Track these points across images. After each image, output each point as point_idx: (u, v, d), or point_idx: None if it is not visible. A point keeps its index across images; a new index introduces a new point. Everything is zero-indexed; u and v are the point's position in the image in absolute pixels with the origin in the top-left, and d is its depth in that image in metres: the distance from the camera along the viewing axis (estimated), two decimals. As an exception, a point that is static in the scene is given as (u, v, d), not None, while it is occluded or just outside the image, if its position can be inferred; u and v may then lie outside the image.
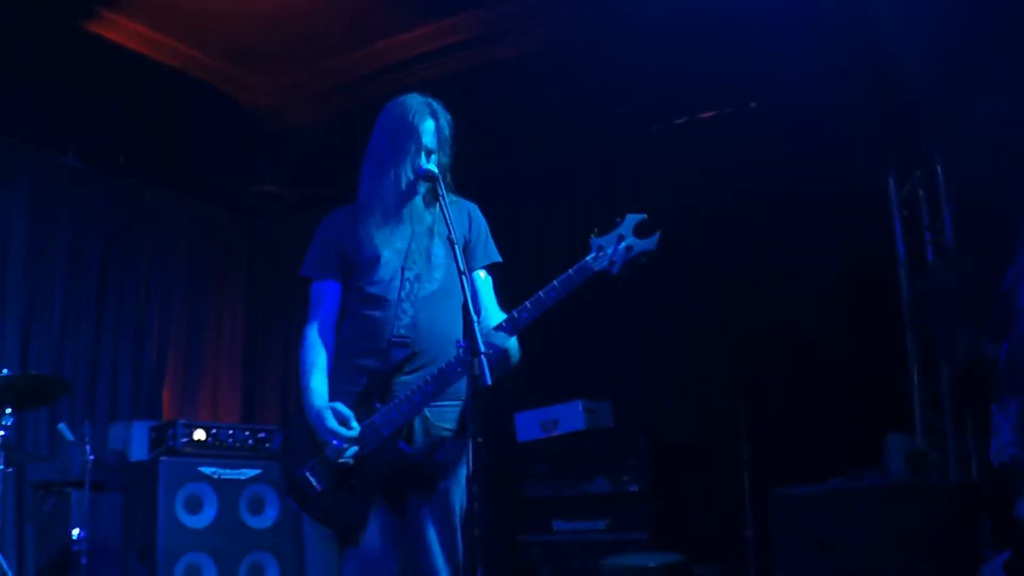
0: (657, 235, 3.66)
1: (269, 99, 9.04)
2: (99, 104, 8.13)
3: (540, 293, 3.62)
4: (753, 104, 7.73)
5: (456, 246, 3.54)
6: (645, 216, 3.71)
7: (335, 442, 3.68)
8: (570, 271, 3.66)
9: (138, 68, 8.14)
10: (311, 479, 3.79)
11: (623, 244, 3.67)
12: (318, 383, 3.87)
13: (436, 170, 3.83)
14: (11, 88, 7.69)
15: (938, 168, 6.85)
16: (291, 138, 9.34)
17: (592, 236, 3.70)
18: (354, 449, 3.70)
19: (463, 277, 3.47)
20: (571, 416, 7.38)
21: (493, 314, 3.90)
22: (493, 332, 3.58)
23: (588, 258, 3.67)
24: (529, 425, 7.58)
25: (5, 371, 6.09)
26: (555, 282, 3.64)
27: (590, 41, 7.71)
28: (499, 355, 3.56)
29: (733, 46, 7.18)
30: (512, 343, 3.68)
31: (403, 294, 3.87)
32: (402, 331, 3.84)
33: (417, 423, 3.78)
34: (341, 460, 3.70)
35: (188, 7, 7.68)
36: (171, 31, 8.07)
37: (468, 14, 7.78)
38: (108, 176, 8.92)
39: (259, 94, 9.01)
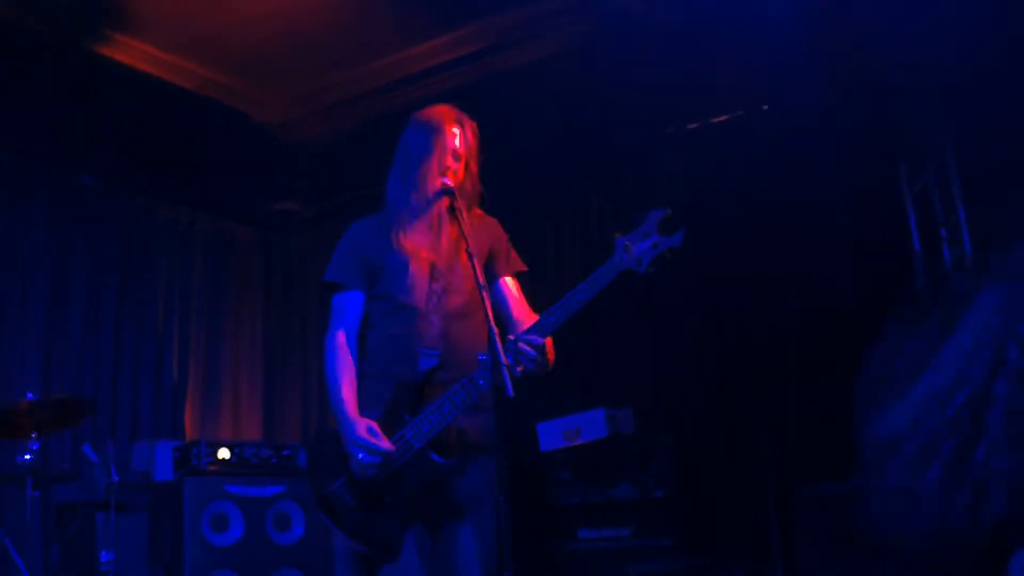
0: (681, 231, 3.65)
1: (281, 114, 9.05)
2: (113, 124, 8.16)
3: (567, 296, 3.62)
4: (765, 106, 7.74)
5: (474, 259, 3.55)
6: (668, 211, 3.69)
7: (361, 455, 3.68)
8: (597, 272, 3.65)
9: (150, 88, 8.16)
10: (342, 495, 3.79)
11: (649, 241, 3.66)
12: (348, 394, 3.87)
13: (452, 183, 3.86)
14: (25, 111, 7.75)
15: (951, 163, 6.85)
16: (305, 152, 9.36)
17: (616, 236, 3.69)
18: (379, 464, 3.69)
19: (482, 290, 3.49)
20: (593, 424, 7.38)
21: (527, 319, 3.90)
22: (524, 336, 3.57)
23: (614, 258, 3.67)
24: (552, 435, 7.58)
25: (29, 395, 6.13)
26: (582, 284, 3.63)
27: (601, 47, 7.70)
28: (538, 352, 3.55)
29: (743, 50, 7.18)
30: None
31: (431, 305, 3.88)
32: (431, 341, 3.85)
33: (451, 433, 3.78)
34: (369, 472, 3.70)
35: (197, 26, 7.69)
36: (181, 51, 8.09)
37: (479, 24, 7.77)
38: (123, 195, 8.98)
39: (271, 109, 9.02)
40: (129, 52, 7.88)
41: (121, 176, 8.82)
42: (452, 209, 3.85)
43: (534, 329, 3.59)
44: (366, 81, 8.50)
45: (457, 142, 3.97)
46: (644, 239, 3.67)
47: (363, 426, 3.71)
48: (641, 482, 7.17)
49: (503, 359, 3.33)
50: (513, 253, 4.14)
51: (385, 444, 3.69)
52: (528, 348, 3.51)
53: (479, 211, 4.12)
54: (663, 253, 3.68)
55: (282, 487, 7.34)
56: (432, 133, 3.97)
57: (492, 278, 4.04)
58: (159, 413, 8.94)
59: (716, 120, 7.97)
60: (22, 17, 7.21)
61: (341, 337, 3.99)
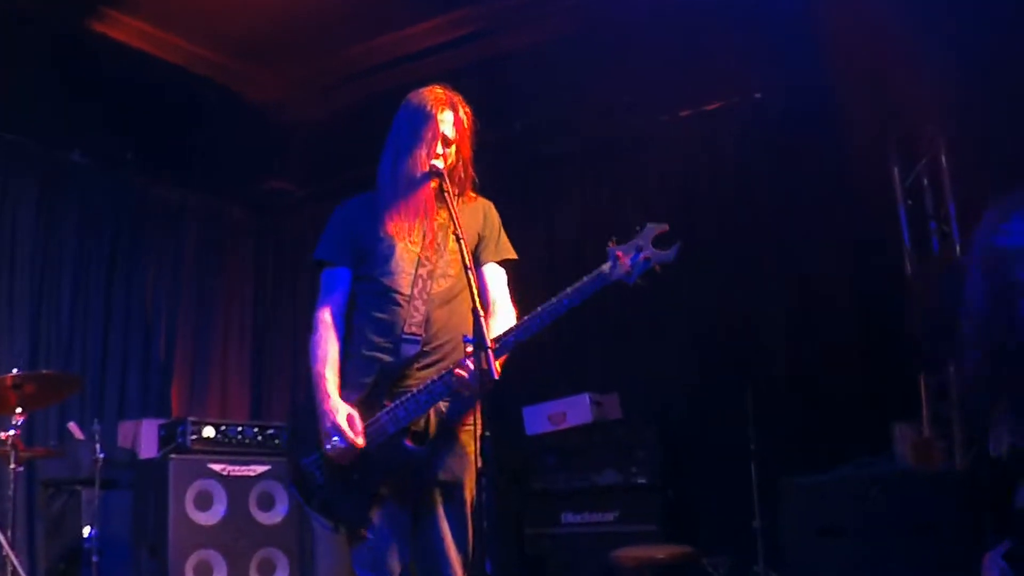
0: (676, 247, 3.61)
1: (276, 94, 9.03)
2: (105, 102, 8.13)
3: (553, 301, 3.60)
4: (758, 95, 7.73)
5: (463, 242, 3.54)
6: (666, 227, 3.67)
7: (337, 439, 3.69)
8: (586, 280, 3.62)
9: (143, 65, 8.15)
10: (314, 471, 3.81)
11: (641, 255, 3.63)
12: (330, 372, 3.85)
13: (441, 166, 3.85)
14: (17, 86, 7.71)
15: (942, 157, 6.86)
16: (299, 133, 9.34)
17: (609, 245, 3.67)
18: (349, 453, 3.70)
19: (469, 272, 3.48)
20: (579, 409, 7.40)
21: (503, 308, 3.92)
22: (502, 337, 3.58)
23: (604, 268, 3.64)
24: (537, 418, 7.59)
25: (15, 370, 6.12)
26: (570, 290, 3.60)
27: (596, 32, 7.70)
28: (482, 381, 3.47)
29: (738, 37, 7.18)
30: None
31: (416, 290, 3.87)
32: (414, 327, 3.83)
33: (432, 418, 3.78)
34: (339, 459, 3.71)
35: (191, 3, 7.69)
36: (175, 28, 8.08)
37: (475, 7, 7.77)
38: (115, 173, 8.96)
39: (266, 89, 9.01)
40: (123, 28, 7.87)
41: (112, 154, 8.79)
42: (441, 192, 3.83)
43: (517, 330, 3.60)
44: (361, 61, 8.49)
45: (447, 127, 3.93)
46: (637, 251, 3.63)
47: (343, 413, 3.72)
48: (626, 468, 7.18)
49: (488, 342, 3.33)
50: (504, 240, 4.11)
51: (359, 439, 3.69)
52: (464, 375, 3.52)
53: (473, 195, 4.10)
54: (654, 267, 3.66)
55: (267, 466, 7.34)
56: (423, 117, 3.93)
57: (477, 264, 4.01)
58: (146, 391, 8.94)
59: (709, 107, 7.96)
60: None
61: (328, 314, 3.98)
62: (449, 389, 3.67)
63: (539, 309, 3.61)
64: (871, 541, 5.76)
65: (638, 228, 3.67)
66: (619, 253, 3.65)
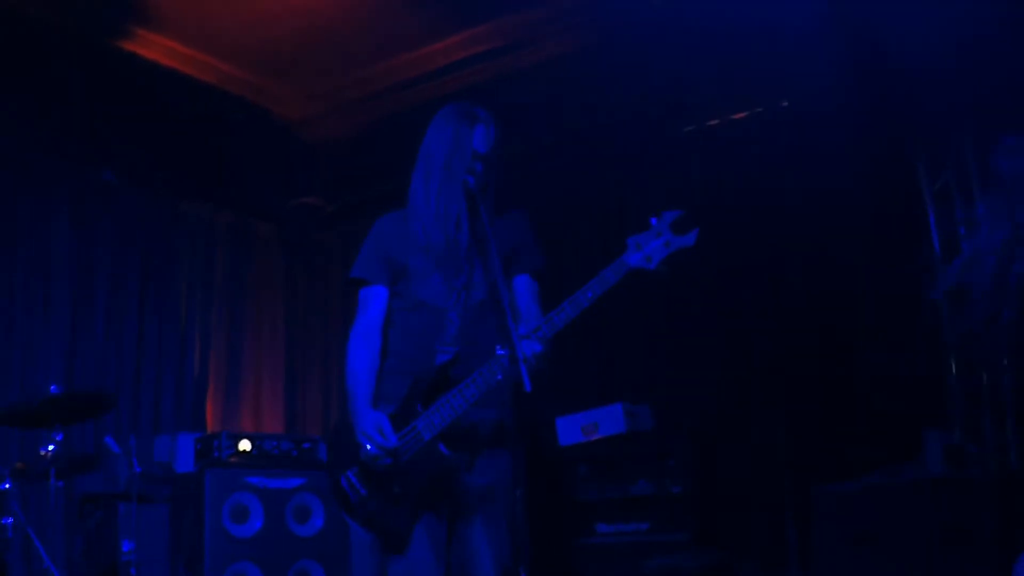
0: (695, 231, 3.67)
1: (303, 111, 9.10)
2: (135, 120, 8.23)
3: (577, 293, 3.65)
4: (785, 103, 7.72)
5: (495, 254, 3.60)
6: (682, 212, 3.72)
7: (369, 446, 3.74)
8: (606, 269, 3.68)
9: (172, 84, 8.24)
10: (355, 484, 3.85)
11: (660, 241, 3.69)
12: (362, 387, 3.93)
13: (473, 181, 3.90)
14: (48, 107, 7.81)
15: (970, 161, 6.84)
16: (326, 149, 9.39)
17: (629, 236, 3.73)
18: (385, 458, 3.76)
19: (502, 286, 3.53)
20: (612, 419, 7.40)
21: (535, 319, 3.93)
22: (529, 336, 3.61)
23: (624, 256, 3.70)
24: (570, 429, 7.59)
25: (52, 388, 6.19)
26: (592, 281, 3.67)
27: (619, 44, 7.72)
28: (537, 359, 3.57)
29: (763, 46, 7.18)
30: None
31: (451, 302, 3.93)
32: (449, 339, 3.89)
33: (461, 427, 3.82)
34: (377, 465, 3.76)
35: (219, 22, 7.76)
36: (203, 46, 8.16)
37: (499, 21, 7.81)
38: (146, 191, 9.02)
39: (293, 106, 9.08)
40: (151, 47, 7.95)
41: (143, 172, 8.85)
42: (474, 208, 3.89)
43: (543, 326, 3.63)
44: (386, 77, 8.55)
45: (479, 142, 3.99)
46: (656, 238, 3.69)
47: (373, 419, 3.77)
48: (659, 478, 7.19)
49: (521, 354, 3.37)
50: (537, 250, 4.16)
51: (391, 440, 3.74)
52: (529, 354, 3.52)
53: (505, 207, 4.15)
54: (675, 252, 3.70)
55: (302, 479, 7.39)
56: (454, 133, 3.99)
57: (510, 275, 4.07)
58: (181, 406, 9.00)
59: (735, 117, 7.95)
60: (44, 12, 7.27)
61: (363, 331, 4.04)
62: (482, 392, 3.72)
63: (564, 304, 3.66)
64: (903, 549, 5.75)
65: (655, 217, 3.72)
66: (638, 242, 3.70)
